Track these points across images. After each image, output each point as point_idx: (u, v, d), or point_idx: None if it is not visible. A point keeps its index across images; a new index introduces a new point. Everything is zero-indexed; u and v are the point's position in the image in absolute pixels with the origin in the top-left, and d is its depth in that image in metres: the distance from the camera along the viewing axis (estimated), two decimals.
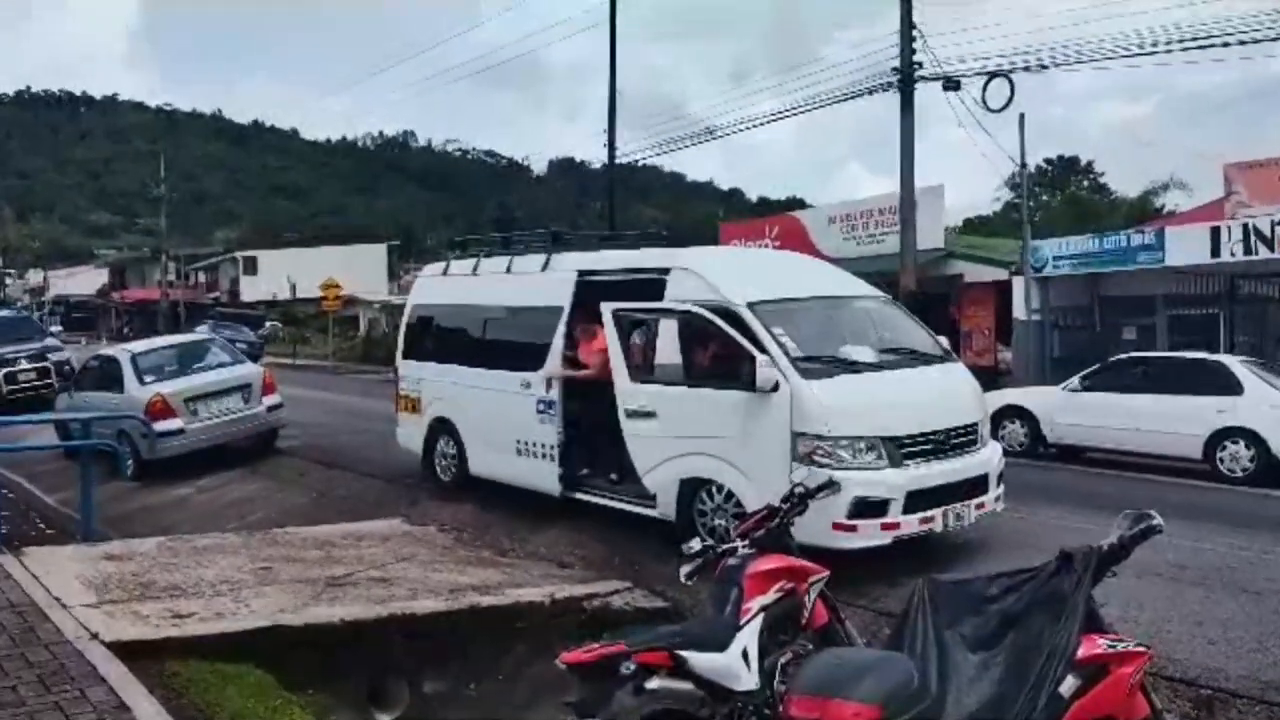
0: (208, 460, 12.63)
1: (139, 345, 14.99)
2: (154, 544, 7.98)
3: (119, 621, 5.71)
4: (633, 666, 3.68)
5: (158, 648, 5.35)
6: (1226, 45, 15.94)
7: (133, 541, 8.23)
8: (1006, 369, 20.99)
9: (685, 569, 4.30)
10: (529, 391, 8.98)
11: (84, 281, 71.27)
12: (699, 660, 3.80)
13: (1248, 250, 17.08)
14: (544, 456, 8.87)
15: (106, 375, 13.59)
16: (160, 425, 12.11)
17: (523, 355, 9.15)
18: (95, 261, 76.24)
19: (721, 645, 3.90)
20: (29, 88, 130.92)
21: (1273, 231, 16.83)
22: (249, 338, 34.39)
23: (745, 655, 3.92)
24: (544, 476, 8.90)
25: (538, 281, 9.34)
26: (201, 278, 63.95)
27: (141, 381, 12.86)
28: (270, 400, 13.58)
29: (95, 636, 5.36)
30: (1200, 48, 16.13)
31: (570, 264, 9.17)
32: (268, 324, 44.39)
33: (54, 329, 36.42)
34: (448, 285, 10.85)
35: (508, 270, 9.88)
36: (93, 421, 10.84)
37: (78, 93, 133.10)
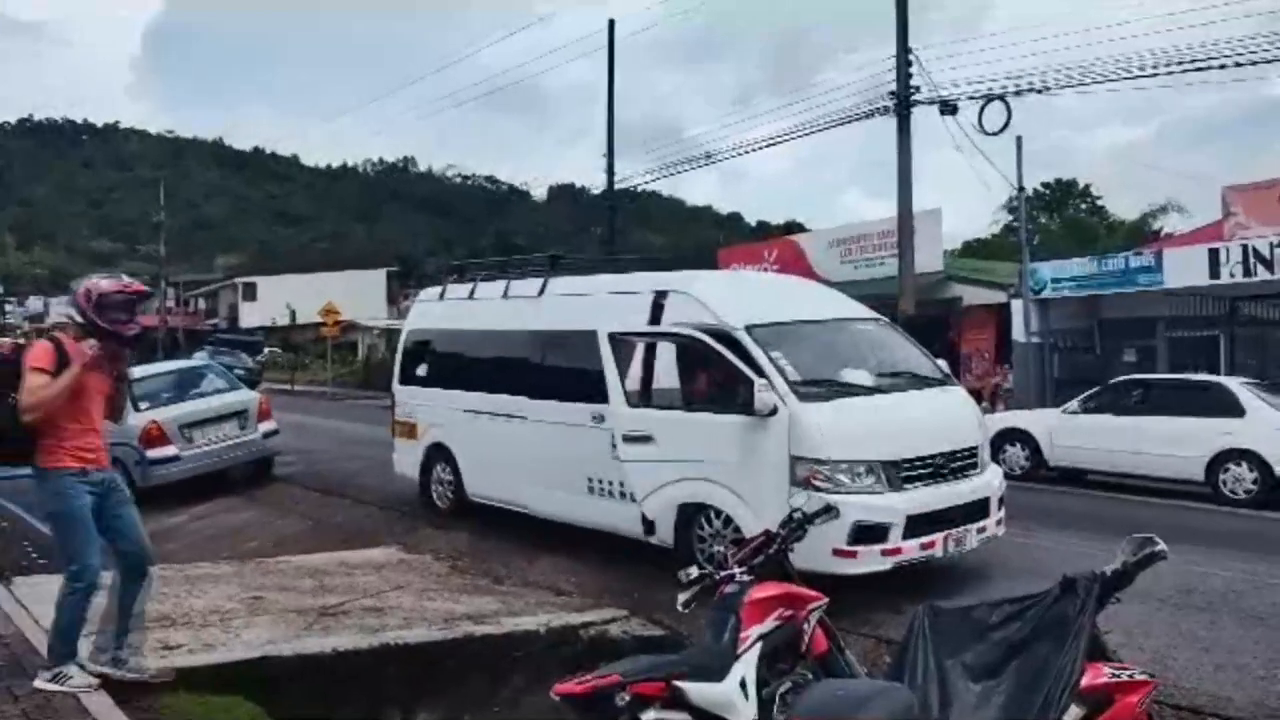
0: (202, 487, 12.54)
1: (134, 371, 14.92)
2: None
3: (107, 653, 5.61)
4: (628, 697, 3.59)
5: (145, 680, 5.25)
6: (1224, 68, 16.00)
7: None
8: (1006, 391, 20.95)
9: (682, 597, 4.22)
10: (603, 425, 8.11)
11: None
12: (696, 691, 3.72)
13: (1247, 272, 17.08)
14: (624, 496, 7.97)
15: None
16: (154, 452, 12.03)
17: (585, 384, 8.32)
18: None
19: (719, 675, 3.81)
20: (31, 116, 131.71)
21: (1272, 253, 16.83)
22: (247, 364, 34.38)
23: (743, 685, 3.84)
24: (623, 518, 8.02)
25: (601, 303, 8.62)
26: (201, 304, 64.10)
27: (136, 408, 12.76)
28: (266, 426, 13.52)
29: (82, 669, 5.27)
30: (1197, 69, 16.20)
31: (647, 284, 8.45)
32: (266, 350, 44.41)
33: None
34: (451, 310, 10.70)
35: (504, 295, 9.83)
36: None
37: (79, 120, 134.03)
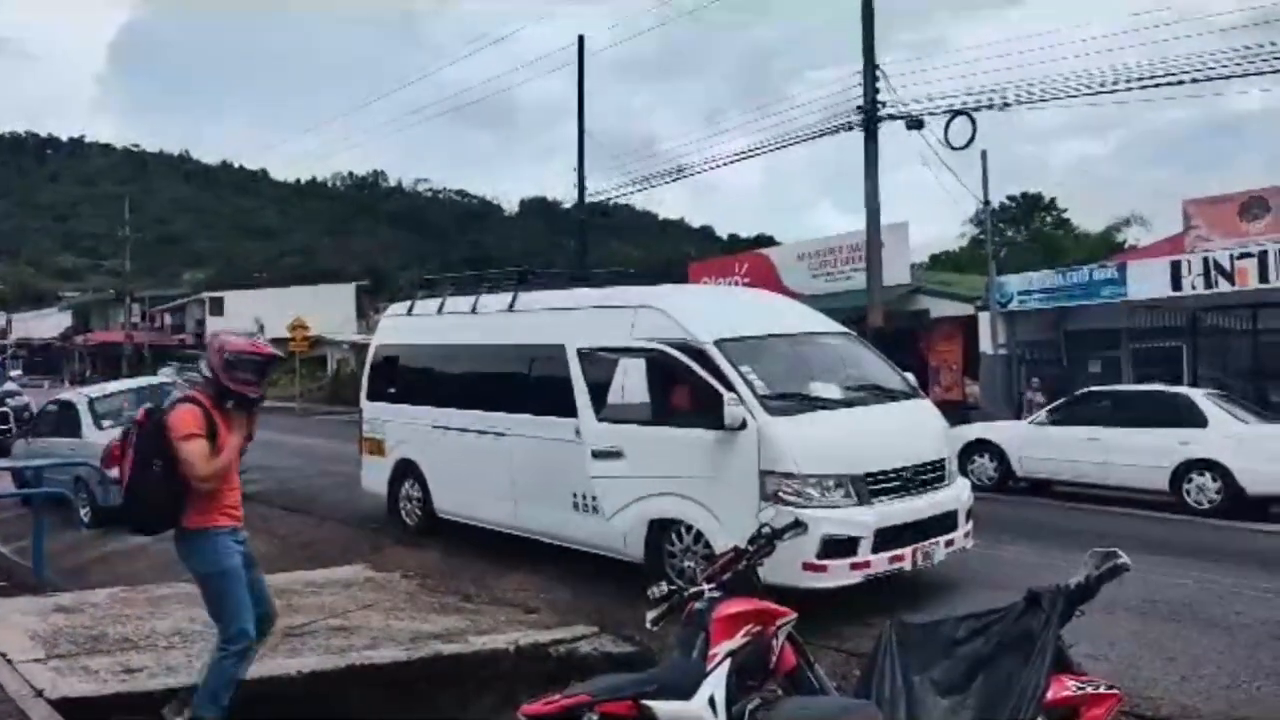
0: None
1: (97, 389, 14.69)
2: (106, 595, 7.73)
3: (66, 677, 5.50)
4: (595, 717, 3.56)
5: (105, 704, 5.16)
6: (1182, 83, 16.30)
7: (85, 592, 7.97)
8: (975, 403, 21.11)
9: (651, 614, 4.19)
10: (583, 441, 8.00)
11: (48, 325, 70.31)
12: (665, 709, 3.69)
13: (1208, 284, 17.38)
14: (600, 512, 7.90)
15: (64, 420, 13.29)
16: (117, 472, 11.80)
17: (554, 399, 8.24)
18: (59, 304, 75.28)
19: (688, 692, 3.79)
20: None
21: (1232, 265, 17.15)
22: None
23: (712, 702, 3.81)
24: (606, 534, 7.91)
25: (570, 318, 8.52)
26: (168, 319, 63.36)
27: (99, 427, 12.57)
28: None
29: (40, 694, 5.16)
30: (1157, 85, 16.49)
31: (616, 298, 8.40)
32: None
33: (14, 373, 35.80)
34: (419, 325, 10.60)
35: (472, 310, 9.77)
36: (45, 469, 10.58)
37: (44, 134, 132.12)
